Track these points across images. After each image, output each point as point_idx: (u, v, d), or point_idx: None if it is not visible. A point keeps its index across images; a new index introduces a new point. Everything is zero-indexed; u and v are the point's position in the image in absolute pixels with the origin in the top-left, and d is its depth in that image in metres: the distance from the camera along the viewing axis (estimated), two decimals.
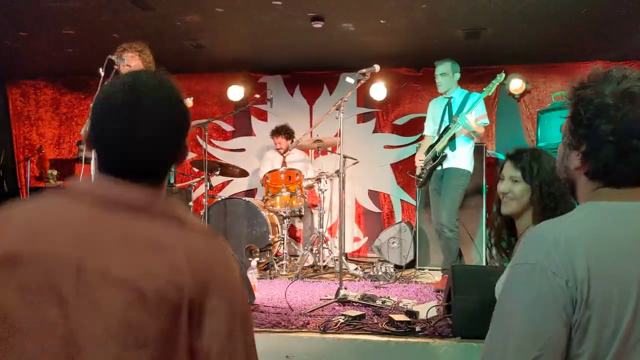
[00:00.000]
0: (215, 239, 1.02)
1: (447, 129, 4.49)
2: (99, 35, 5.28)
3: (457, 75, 4.61)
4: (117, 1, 4.53)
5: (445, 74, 4.56)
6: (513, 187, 2.06)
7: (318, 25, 5.03)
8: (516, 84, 6.30)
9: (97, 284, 0.90)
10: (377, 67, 3.75)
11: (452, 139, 4.47)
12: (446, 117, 4.61)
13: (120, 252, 0.93)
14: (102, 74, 3.78)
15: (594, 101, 1.04)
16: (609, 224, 1.01)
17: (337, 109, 3.54)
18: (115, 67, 4.05)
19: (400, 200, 6.69)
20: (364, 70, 3.67)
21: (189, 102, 4.12)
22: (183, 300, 0.90)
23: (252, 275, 3.90)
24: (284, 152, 5.99)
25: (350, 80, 3.76)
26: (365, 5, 4.64)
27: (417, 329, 2.89)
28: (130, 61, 4.23)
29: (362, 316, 3.14)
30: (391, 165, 6.72)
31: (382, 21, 5.04)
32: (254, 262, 4.02)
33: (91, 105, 1.06)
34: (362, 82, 3.81)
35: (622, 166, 1.03)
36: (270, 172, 5.28)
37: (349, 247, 6.69)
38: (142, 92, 1.02)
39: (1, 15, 4.80)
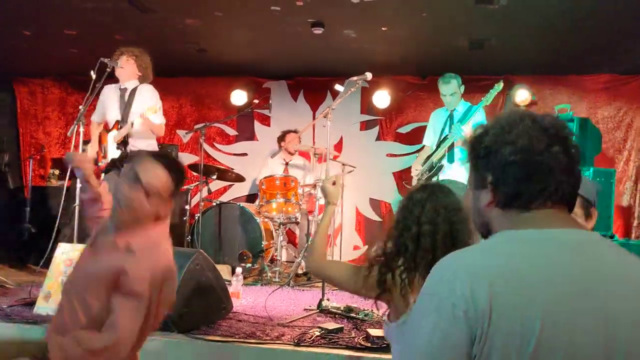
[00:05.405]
0: None
1: (444, 139, 4.42)
2: (100, 36, 5.31)
3: (462, 88, 4.55)
4: (116, 3, 4.53)
5: (455, 93, 4.52)
6: None
7: (318, 31, 4.98)
8: (522, 95, 6.17)
9: None
10: (369, 75, 3.70)
11: (451, 149, 4.38)
12: (447, 129, 4.53)
13: None
14: (94, 76, 3.80)
15: (488, 132, 1.08)
16: (514, 255, 0.98)
17: (324, 117, 3.48)
18: (108, 69, 4.07)
19: None
20: (354, 78, 3.62)
21: None
22: None
23: (237, 282, 3.86)
24: (294, 151, 5.99)
25: (339, 87, 3.71)
26: (365, 12, 4.57)
27: None
28: (125, 64, 4.24)
29: (339, 329, 3.07)
30: (393, 173, 6.63)
31: (383, 28, 4.98)
32: (239, 269, 3.97)
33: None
34: (354, 89, 3.75)
35: (530, 185, 1.03)
36: (265, 177, 5.22)
37: (348, 256, 6.61)
38: None
39: (5, 13, 4.85)
